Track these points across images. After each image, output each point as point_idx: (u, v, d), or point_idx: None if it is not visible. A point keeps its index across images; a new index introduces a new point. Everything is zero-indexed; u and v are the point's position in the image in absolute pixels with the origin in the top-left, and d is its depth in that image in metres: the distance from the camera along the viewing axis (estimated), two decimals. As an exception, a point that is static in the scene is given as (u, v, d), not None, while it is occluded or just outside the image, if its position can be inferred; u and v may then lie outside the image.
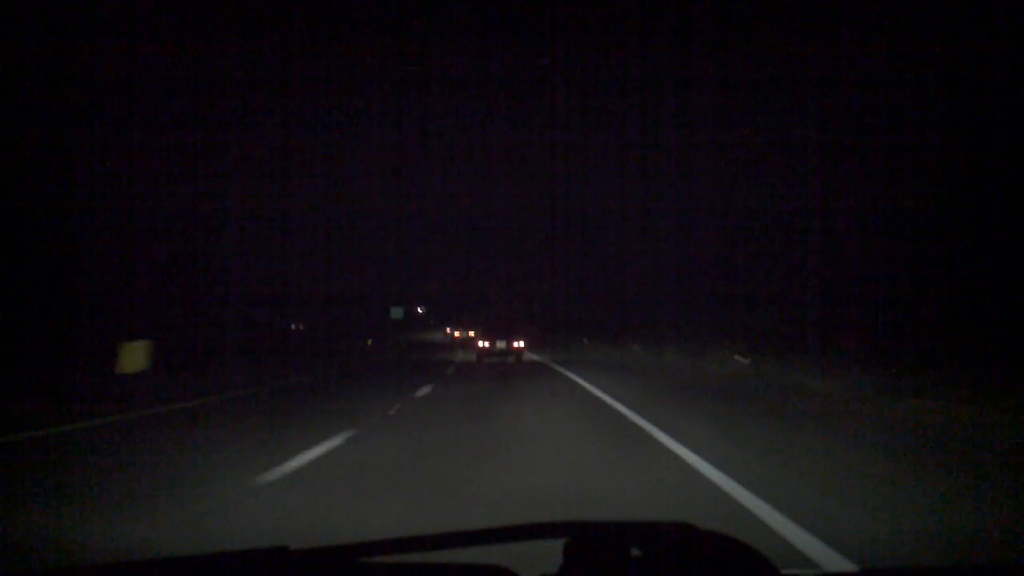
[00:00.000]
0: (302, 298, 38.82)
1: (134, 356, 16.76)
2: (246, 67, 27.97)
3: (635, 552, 1.28)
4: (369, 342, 48.74)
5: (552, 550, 1.31)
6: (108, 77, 20.36)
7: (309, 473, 5.31)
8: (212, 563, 1.38)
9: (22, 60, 17.64)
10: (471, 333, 34.47)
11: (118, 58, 20.46)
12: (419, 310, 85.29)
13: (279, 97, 31.89)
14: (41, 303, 17.36)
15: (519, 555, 1.49)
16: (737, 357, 21.13)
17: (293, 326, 39.67)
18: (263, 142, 31.84)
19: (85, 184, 19.63)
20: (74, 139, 19.27)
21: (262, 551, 1.33)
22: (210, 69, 24.72)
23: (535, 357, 31.25)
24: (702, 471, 5.13)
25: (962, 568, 2.38)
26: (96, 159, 20.14)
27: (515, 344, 28.36)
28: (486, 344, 28.77)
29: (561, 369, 20.84)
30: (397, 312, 73.18)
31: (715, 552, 1.29)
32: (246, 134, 29.09)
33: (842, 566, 3.05)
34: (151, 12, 21.70)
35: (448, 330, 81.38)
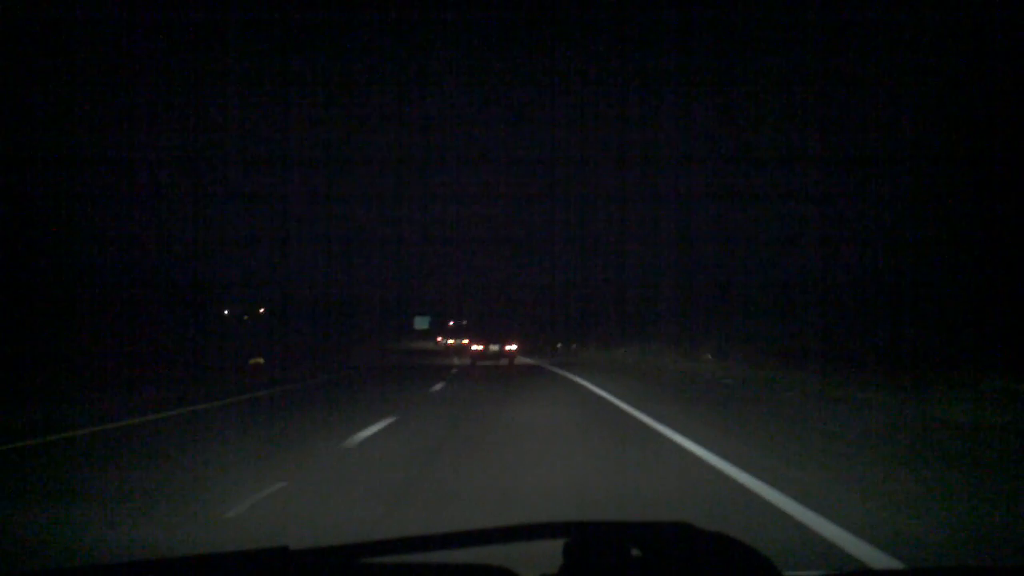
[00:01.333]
0: (302, 307, 37.51)
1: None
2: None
3: (635, 552, 1.28)
4: (257, 361, 25.91)
5: (552, 550, 1.31)
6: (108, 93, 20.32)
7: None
8: (212, 563, 1.38)
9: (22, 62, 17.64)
10: (465, 341, 35.84)
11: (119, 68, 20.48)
12: (464, 323, 73.44)
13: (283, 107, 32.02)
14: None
15: (519, 555, 1.49)
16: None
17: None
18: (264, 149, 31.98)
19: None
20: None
21: (262, 551, 1.33)
22: (223, 82, 24.74)
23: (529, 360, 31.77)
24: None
25: (967, 569, 2.37)
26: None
27: (508, 348, 30.23)
28: (480, 348, 30.68)
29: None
30: (422, 322, 61.71)
31: (715, 552, 1.29)
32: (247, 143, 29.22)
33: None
34: (152, 14, 21.74)
35: (439, 339, 79.54)
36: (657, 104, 30.61)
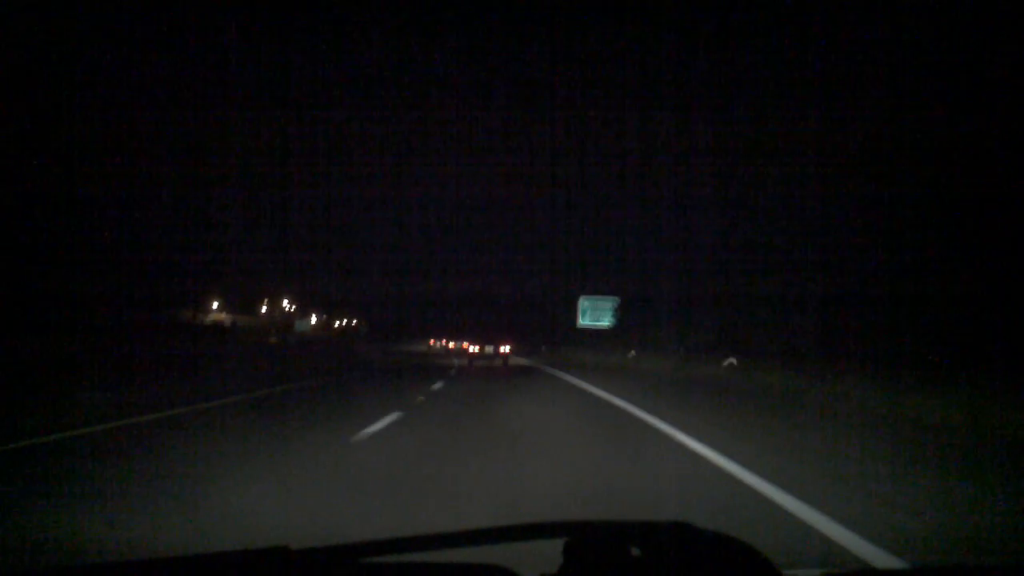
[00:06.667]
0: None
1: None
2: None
3: (635, 552, 1.28)
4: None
5: (552, 550, 1.31)
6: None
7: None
8: (212, 563, 1.38)
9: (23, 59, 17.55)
10: (464, 344, 38.57)
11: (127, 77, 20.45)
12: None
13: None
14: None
15: (519, 555, 1.49)
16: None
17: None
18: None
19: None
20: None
21: (263, 551, 1.32)
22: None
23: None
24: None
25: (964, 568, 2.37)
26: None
27: (501, 349, 33.22)
28: (476, 349, 33.60)
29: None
30: (601, 311, 37.36)
31: (715, 552, 1.29)
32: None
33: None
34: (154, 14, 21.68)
35: (432, 341, 79.73)
36: (656, 101, 30.59)
